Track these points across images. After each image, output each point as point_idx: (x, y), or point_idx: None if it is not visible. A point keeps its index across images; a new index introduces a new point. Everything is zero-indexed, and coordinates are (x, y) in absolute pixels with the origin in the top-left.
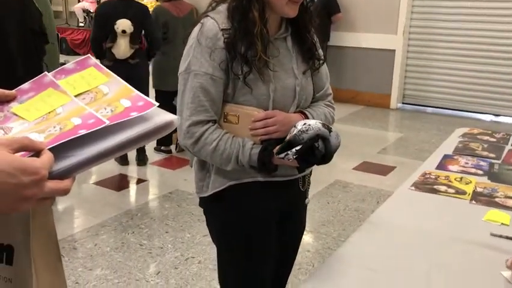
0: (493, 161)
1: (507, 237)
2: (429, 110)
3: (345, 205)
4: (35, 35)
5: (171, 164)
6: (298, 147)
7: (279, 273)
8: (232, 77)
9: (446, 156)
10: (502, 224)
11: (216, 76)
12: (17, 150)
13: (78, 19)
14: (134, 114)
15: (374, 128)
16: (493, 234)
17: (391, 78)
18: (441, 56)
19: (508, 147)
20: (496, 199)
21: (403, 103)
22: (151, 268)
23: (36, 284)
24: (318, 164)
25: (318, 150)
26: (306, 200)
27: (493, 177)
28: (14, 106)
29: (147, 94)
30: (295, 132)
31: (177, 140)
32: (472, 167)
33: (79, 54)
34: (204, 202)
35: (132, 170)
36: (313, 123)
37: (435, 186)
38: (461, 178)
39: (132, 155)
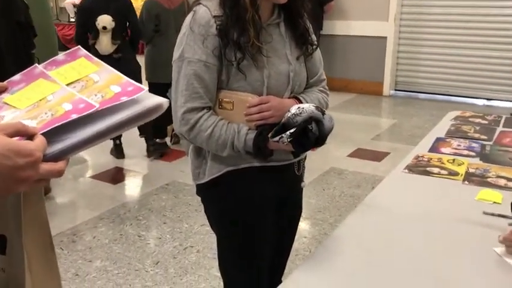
0: (485, 142)
1: (499, 215)
2: (422, 96)
3: (340, 191)
4: (22, 28)
5: (167, 156)
6: (292, 130)
7: (277, 260)
8: (226, 64)
9: (438, 139)
10: (494, 202)
11: (209, 63)
12: (11, 134)
13: (69, 14)
14: (124, 99)
15: (367, 115)
16: (485, 213)
17: (383, 66)
18: (433, 42)
19: (499, 129)
20: (488, 179)
21: (396, 90)
22: (150, 258)
23: (29, 275)
24: (313, 147)
25: (311, 133)
26: (302, 184)
27: (485, 158)
28: (5, 97)
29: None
30: (289, 115)
31: (172, 132)
32: (464, 149)
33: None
34: (201, 189)
35: (128, 163)
36: (307, 107)
37: (428, 169)
38: (453, 160)
39: (128, 149)
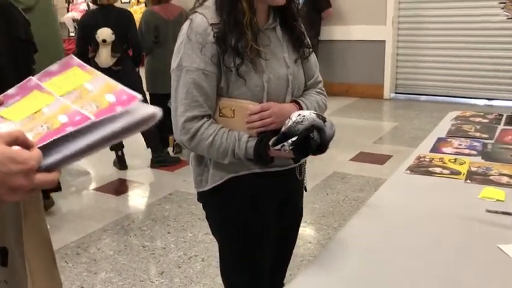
0: (486, 141)
1: (503, 213)
2: (423, 98)
3: (344, 195)
4: (22, 44)
5: (169, 166)
6: (294, 139)
7: (279, 264)
8: (225, 70)
9: (439, 139)
10: (497, 200)
11: (208, 71)
12: (9, 143)
13: (68, 29)
14: (119, 109)
15: (368, 118)
16: (488, 211)
17: (383, 69)
18: (431, 44)
19: (500, 127)
20: (491, 177)
21: (396, 93)
22: (155, 269)
23: (31, 286)
24: (314, 154)
25: (313, 141)
26: (305, 188)
27: (487, 157)
28: (0, 110)
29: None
30: (290, 123)
31: (174, 142)
32: (465, 148)
33: None
34: (203, 196)
35: (131, 174)
36: (308, 114)
37: (430, 169)
38: (455, 159)
39: (131, 159)
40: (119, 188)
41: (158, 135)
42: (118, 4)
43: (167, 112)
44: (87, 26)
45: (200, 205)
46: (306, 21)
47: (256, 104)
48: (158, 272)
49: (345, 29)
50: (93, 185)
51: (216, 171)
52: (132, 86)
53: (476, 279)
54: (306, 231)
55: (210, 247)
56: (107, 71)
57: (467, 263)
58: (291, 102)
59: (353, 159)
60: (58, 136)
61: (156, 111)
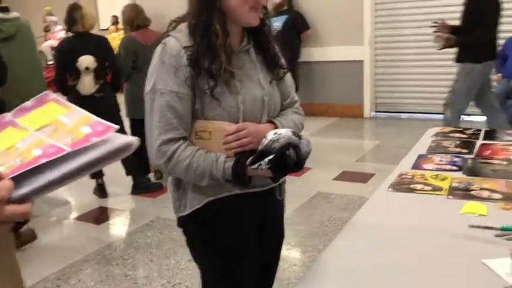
0: (466, 156)
1: (485, 227)
2: (404, 115)
3: (328, 216)
4: None
5: (151, 192)
6: (270, 157)
7: (262, 285)
8: (199, 93)
9: (420, 156)
10: (480, 215)
11: (181, 93)
12: None
13: (46, 57)
14: (94, 139)
15: (350, 137)
16: (471, 226)
17: (362, 88)
18: (409, 63)
19: (479, 142)
20: (472, 192)
21: (376, 111)
22: None
23: None
24: (291, 172)
25: (290, 158)
26: (284, 209)
27: (468, 172)
28: None
29: (120, 123)
30: (266, 142)
31: (155, 168)
32: (446, 164)
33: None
34: (183, 221)
35: (112, 202)
36: (284, 132)
37: (411, 186)
38: (436, 175)
39: (111, 187)
40: (100, 216)
41: (136, 162)
42: (95, 31)
43: None
44: (65, 53)
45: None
46: (284, 43)
47: (232, 124)
48: None
49: (323, 50)
50: (73, 214)
51: (195, 194)
52: (113, 112)
53: None
54: (291, 253)
55: (194, 274)
56: (90, 98)
57: (453, 280)
58: (267, 122)
59: (336, 179)
60: (31, 167)
61: (133, 140)
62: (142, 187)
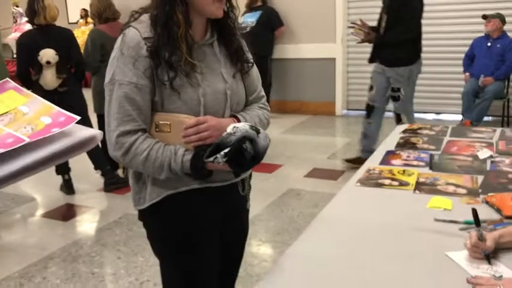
0: (434, 152)
1: (450, 221)
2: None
3: (299, 212)
4: None
5: (121, 188)
6: (226, 150)
7: (225, 282)
8: (159, 84)
9: (388, 152)
10: (445, 209)
11: (140, 85)
12: None
13: (12, 50)
14: (55, 130)
15: (321, 135)
16: (436, 220)
17: (334, 86)
18: None
19: (446, 139)
20: (438, 187)
21: (348, 109)
22: None
23: None
24: (250, 166)
25: (247, 152)
26: (247, 205)
27: (434, 167)
28: None
29: (86, 119)
30: (223, 135)
31: None
32: (413, 160)
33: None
34: (142, 215)
35: (79, 199)
36: (242, 126)
37: (379, 181)
38: (403, 171)
39: (78, 183)
40: (67, 213)
41: (106, 157)
42: (64, 25)
43: None
44: (27, 46)
45: None
46: (258, 39)
47: (192, 117)
48: None
49: (296, 48)
50: (39, 211)
51: (154, 187)
52: (79, 107)
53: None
54: (260, 249)
55: None
56: (53, 93)
57: (417, 272)
58: (230, 117)
59: (307, 176)
60: None
61: (96, 133)
62: (112, 183)
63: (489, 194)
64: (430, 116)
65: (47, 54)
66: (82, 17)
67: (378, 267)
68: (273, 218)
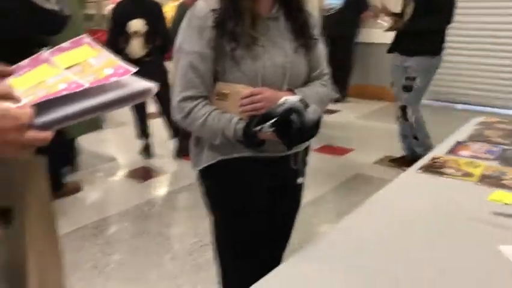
0: (506, 147)
1: (509, 215)
2: (459, 106)
3: (363, 197)
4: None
5: (186, 156)
6: (272, 121)
7: (273, 252)
8: (221, 55)
9: (458, 143)
10: (506, 203)
11: (204, 54)
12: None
13: None
14: (113, 79)
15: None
16: (495, 213)
17: None
18: (472, 52)
19: None
20: (504, 181)
21: (431, 99)
22: (168, 254)
23: (29, 247)
24: (296, 138)
25: (294, 123)
26: (299, 179)
27: (504, 162)
28: (11, 79)
29: (167, 88)
30: (272, 106)
31: None
32: (483, 153)
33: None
34: (199, 176)
35: (156, 163)
36: (291, 99)
37: (442, 169)
38: (470, 162)
39: (156, 149)
40: (143, 175)
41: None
42: None
43: None
44: (118, 16)
45: None
46: (342, 21)
47: (249, 88)
48: (171, 257)
49: (383, 33)
50: (119, 171)
51: (210, 152)
52: (161, 77)
53: (474, 279)
54: (318, 229)
55: None
56: (137, 62)
57: (465, 263)
58: (287, 90)
59: (377, 162)
60: (51, 97)
61: (151, 86)
62: (186, 150)
63: None
64: None
65: (136, 25)
66: None
67: (424, 254)
68: (336, 201)
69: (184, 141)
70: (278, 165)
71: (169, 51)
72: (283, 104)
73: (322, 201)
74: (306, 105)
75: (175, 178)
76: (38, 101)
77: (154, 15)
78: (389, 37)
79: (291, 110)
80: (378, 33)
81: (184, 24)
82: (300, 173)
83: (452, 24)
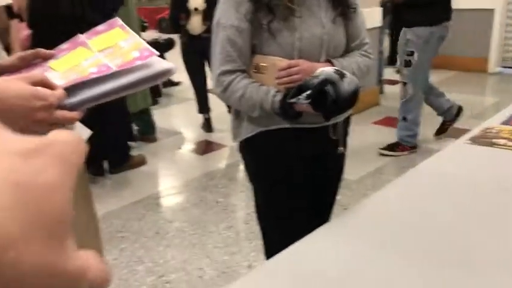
0: None
1: None
2: None
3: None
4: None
5: None
6: (308, 92)
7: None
8: (258, 28)
9: None
10: None
11: (242, 28)
12: (33, 83)
13: None
14: (138, 63)
15: (468, 93)
16: None
17: (489, 41)
18: None
19: None
20: None
21: (503, 67)
22: (224, 223)
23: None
24: (333, 109)
25: (329, 95)
26: (339, 149)
27: None
28: (51, 62)
29: None
30: (307, 78)
31: None
32: None
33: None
34: (239, 147)
35: (215, 137)
36: (327, 70)
37: (494, 140)
38: None
39: (216, 123)
40: (204, 148)
41: None
42: None
43: None
44: None
45: None
46: None
47: (285, 60)
48: (227, 226)
49: None
50: (181, 144)
51: (249, 124)
52: None
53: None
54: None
55: None
56: (197, 38)
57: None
58: (325, 61)
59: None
60: (81, 80)
61: (171, 67)
62: None
63: None
64: None
65: (196, 1)
66: None
67: (465, 226)
68: (392, 173)
69: None
70: (317, 135)
71: None
72: (318, 75)
73: (379, 174)
74: (342, 76)
75: (232, 151)
76: (69, 85)
77: None
78: (457, 2)
79: (326, 81)
80: None
81: None
82: (341, 142)
83: None
